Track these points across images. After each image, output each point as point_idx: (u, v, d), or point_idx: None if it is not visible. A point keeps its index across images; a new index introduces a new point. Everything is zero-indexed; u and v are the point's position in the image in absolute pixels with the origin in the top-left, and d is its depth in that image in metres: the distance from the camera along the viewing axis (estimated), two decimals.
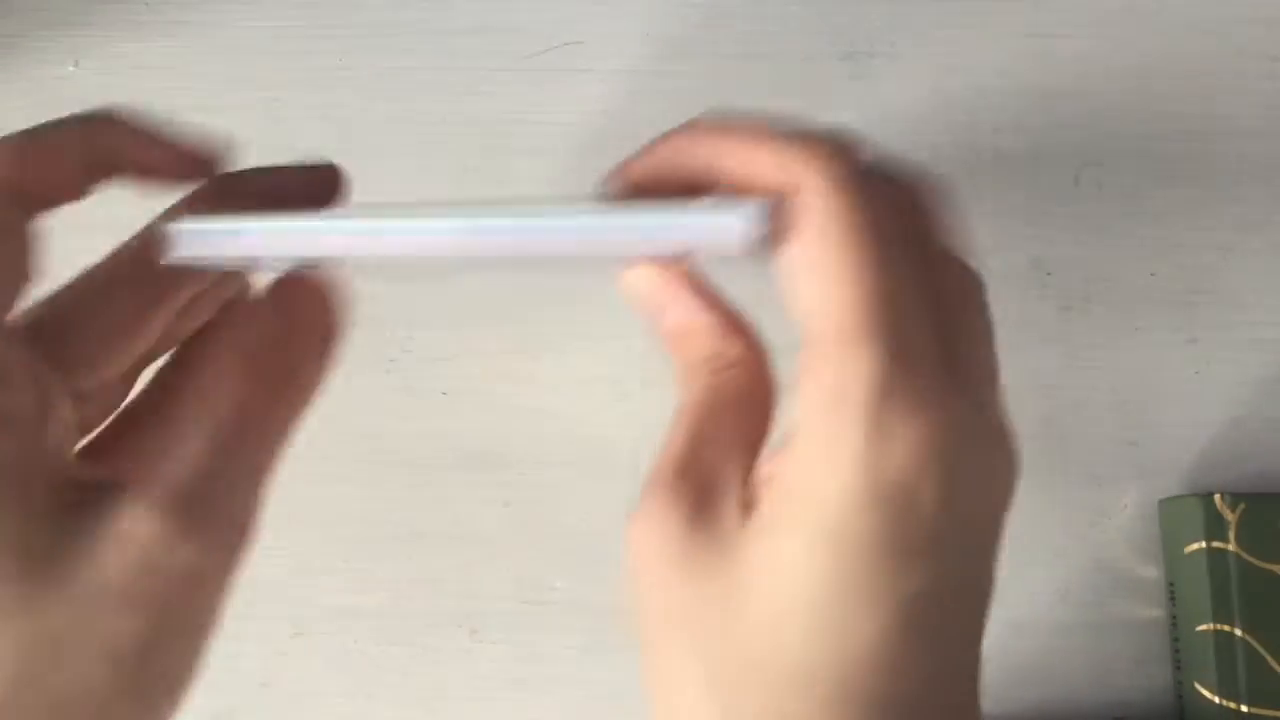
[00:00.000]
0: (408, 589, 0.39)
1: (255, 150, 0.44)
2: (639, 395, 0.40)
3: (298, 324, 0.24)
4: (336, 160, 0.28)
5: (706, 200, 0.22)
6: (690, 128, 0.24)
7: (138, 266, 0.24)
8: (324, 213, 0.24)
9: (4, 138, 0.23)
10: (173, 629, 0.22)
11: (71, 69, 0.43)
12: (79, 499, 0.21)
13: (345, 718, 0.39)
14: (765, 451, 0.24)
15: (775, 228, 0.21)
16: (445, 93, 0.42)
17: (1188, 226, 0.40)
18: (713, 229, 0.21)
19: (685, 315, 0.25)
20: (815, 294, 0.21)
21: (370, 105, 0.42)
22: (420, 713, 0.39)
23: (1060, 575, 0.38)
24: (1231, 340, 0.39)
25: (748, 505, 0.22)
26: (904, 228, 0.22)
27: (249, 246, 0.23)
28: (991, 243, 0.40)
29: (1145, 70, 0.41)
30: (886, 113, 0.41)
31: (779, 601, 0.21)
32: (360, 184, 0.42)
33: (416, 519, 0.39)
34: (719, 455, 0.23)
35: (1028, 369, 0.39)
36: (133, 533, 0.21)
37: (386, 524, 0.39)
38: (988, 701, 0.38)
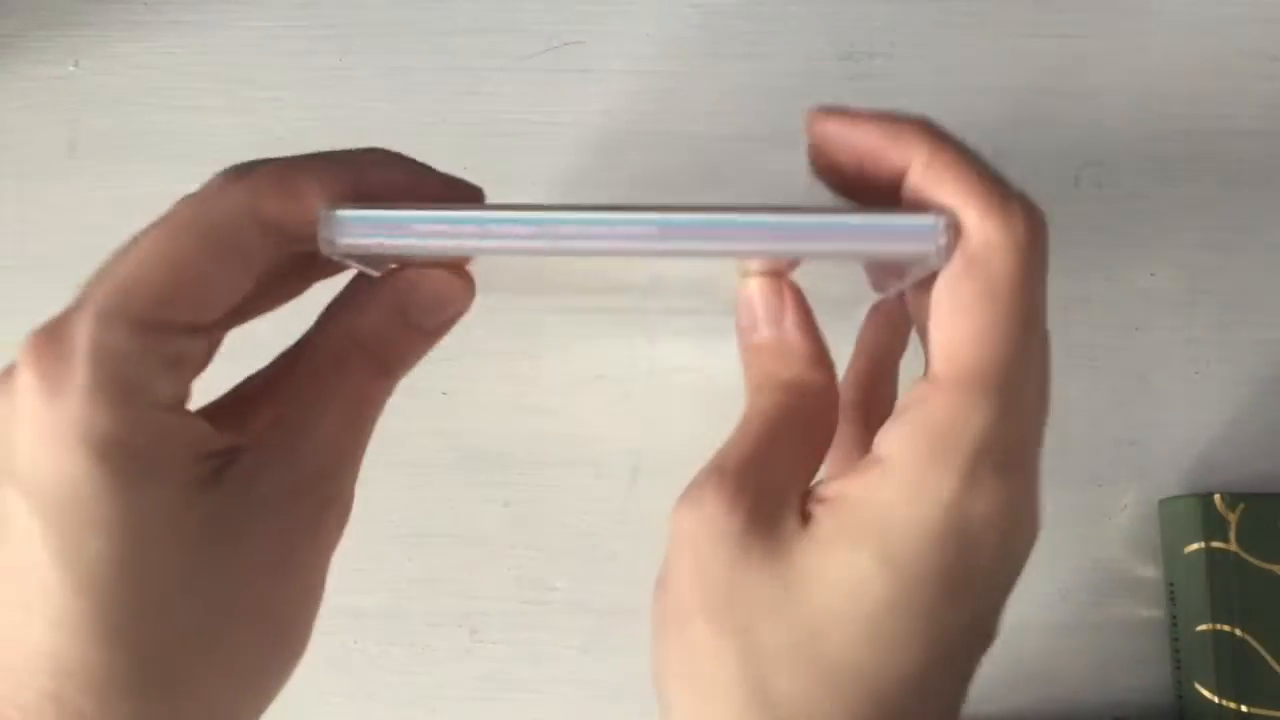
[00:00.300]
0: (408, 589, 0.39)
1: (255, 150, 0.44)
2: (639, 395, 0.40)
3: (417, 316, 0.26)
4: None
5: (888, 210, 0.23)
6: (905, 126, 0.24)
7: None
8: (485, 209, 0.23)
9: (266, 162, 0.23)
10: (303, 582, 0.24)
11: (71, 69, 0.43)
12: (216, 468, 0.23)
13: (345, 718, 0.39)
14: (818, 476, 0.26)
15: (951, 245, 0.22)
16: (445, 93, 0.42)
17: (1188, 226, 0.40)
18: (907, 234, 0.22)
19: (788, 333, 0.27)
20: (959, 334, 0.22)
21: (370, 105, 0.42)
22: (420, 713, 0.39)
23: (1060, 575, 0.38)
24: (1231, 340, 0.39)
25: (805, 517, 0.24)
26: (1044, 299, 0.24)
27: (419, 237, 0.23)
28: None
29: (1145, 70, 0.41)
30: None
31: (832, 607, 0.22)
32: None
33: (416, 519, 0.39)
34: (784, 468, 0.25)
35: None
36: (274, 505, 0.23)
37: (386, 524, 0.39)
38: (988, 701, 0.38)
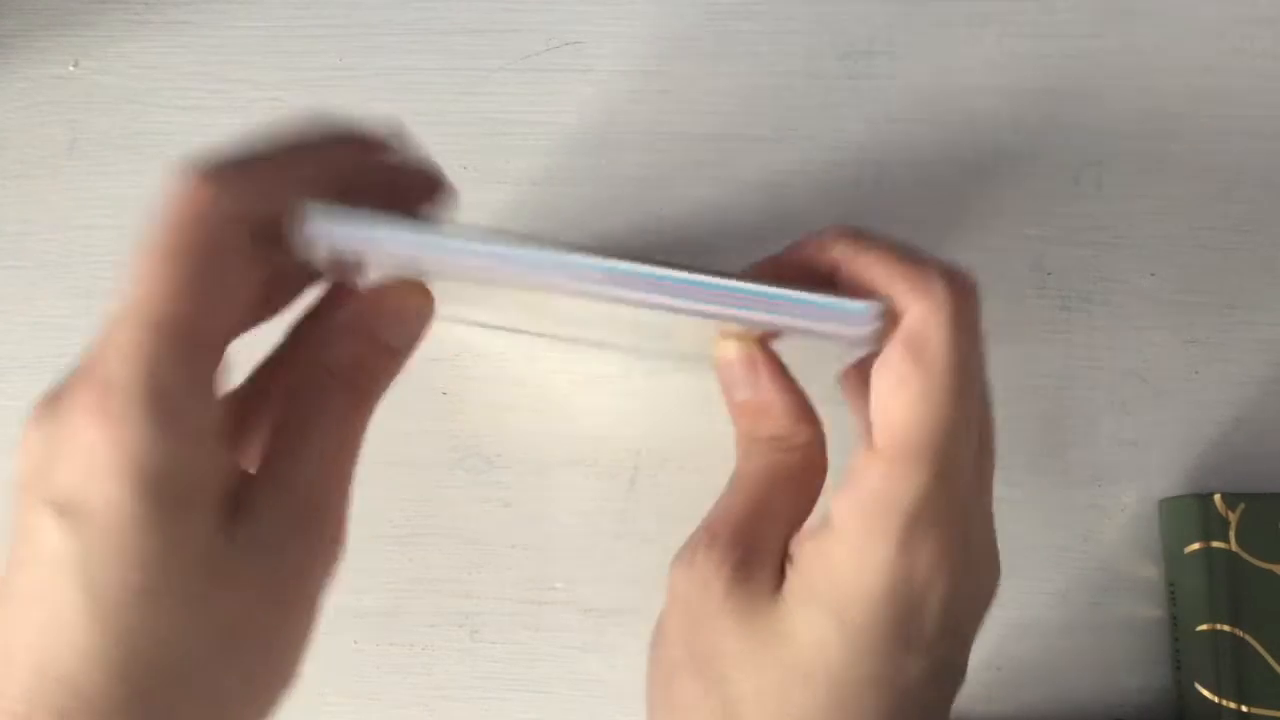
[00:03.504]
0: (408, 589, 0.39)
1: None
2: (639, 395, 0.40)
3: (385, 334, 0.27)
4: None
5: (833, 293, 0.24)
6: (826, 232, 0.26)
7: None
8: (454, 228, 0.25)
9: (237, 157, 0.24)
10: (299, 616, 0.25)
11: (71, 69, 0.43)
12: (235, 504, 0.23)
13: (345, 717, 0.39)
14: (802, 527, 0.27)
15: (885, 329, 0.24)
16: (445, 93, 0.42)
17: (1188, 226, 0.40)
18: (842, 316, 0.24)
19: (766, 394, 0.28)
20: (893, 406, 0.24)
21: (370, 105, 0.42)
22: (420, 713, 0.39)
23: (1060, 575, 0.38)
24: (1231, 340, 0.39)
25: (780, 574, 0.25)
26: (981, 365, 0.25)
27: (386, 247, 0.24)
28: (991, 243, 0.40)
29: (1145, 70, 0.41)
30: (886, 113, 0.41)
31: (798, 663, 0.24)
32: None
33: (416, 519, 0.39)
34: (770, 528, 0.26)
35: (1028, 369, 0.39)
36: (276, 540, 0.24)
37: (386, 524, 0.39)
38: (988, 701, 0.38)
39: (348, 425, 0.26)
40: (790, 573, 0.25)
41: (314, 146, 0.25)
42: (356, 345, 0.26)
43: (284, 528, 0.24)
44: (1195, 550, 0.36)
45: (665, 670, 0.26)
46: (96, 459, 0.21)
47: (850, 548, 0.24)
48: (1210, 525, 0.35)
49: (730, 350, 0.28)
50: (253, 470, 0.25)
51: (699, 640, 0.25)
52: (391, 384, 0.27)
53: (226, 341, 0.23)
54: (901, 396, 0.24)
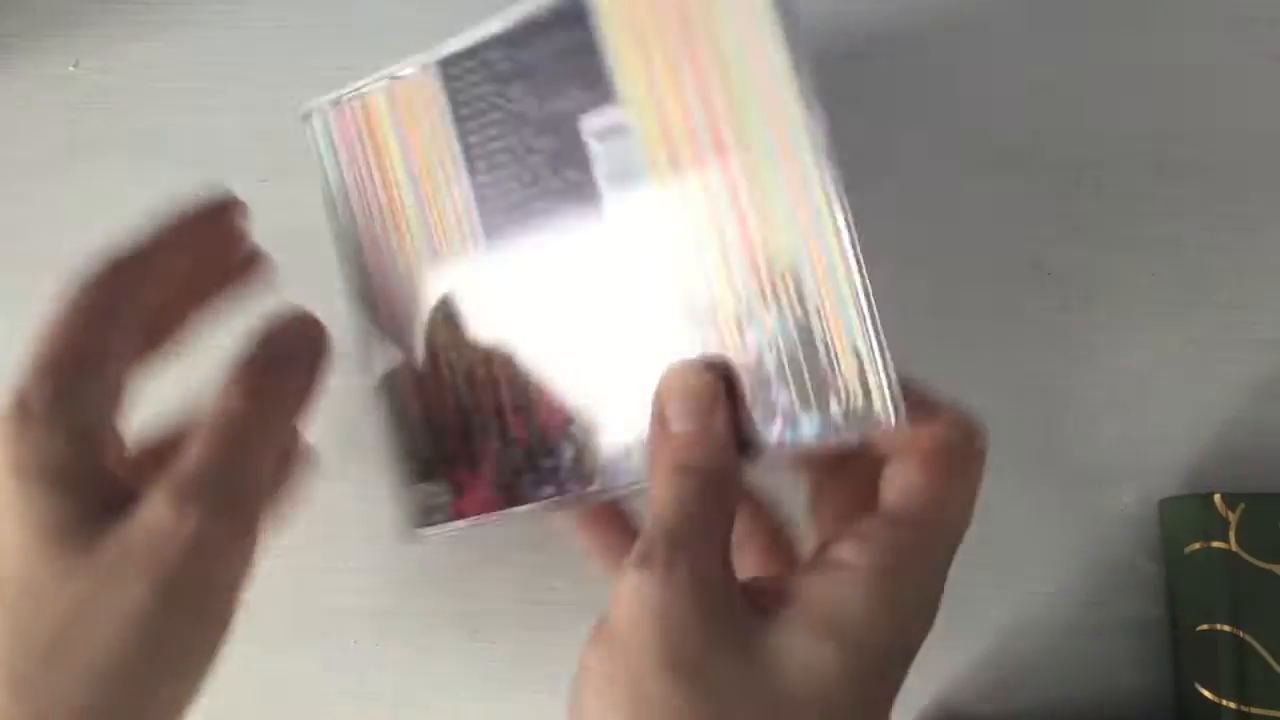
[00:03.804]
0: (408, 589, 0.39)
1: (258, 149, 0.44)
2: None
3: (284, 354, 0.29)
4: None
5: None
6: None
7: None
8: None
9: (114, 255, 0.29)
10: (183, 597, 0.26)
11: (71, 69, 0.43)
12: (124, 502, 0.26)
13: (345, 718, 0.39)
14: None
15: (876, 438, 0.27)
16: None
17: (1188, 226, 0.40)
18: (880, 393, 0.26)
19: (718, 428, 0.27)
20: (923, 490, 0.27)
21: None
22: (420, 713, 0.39)
23: (1060, 575, 0.38)
24: (1231, 340, 0.39)
25: (757, 603, 0.26)
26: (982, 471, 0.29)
27: None
28: (991, 243, 0.40)
29: (1145, 70, 0.41)
30: (887, 112, 0.41)
31: (796, 688, 0.25)
32: None
33: None
34: (724, 552, 0.27)
35: (1028, 369, 0.39)
36: (147, 514, 0.26)
37: (386, 524, 0.39)
38: (988, 701, 0.38)
39: (245, 421, 0.28)
40: (784, 605, 0.26)
41: (173, 230, 0.30)
42: (252, 353, 0.29)
43: (159, 508, 0.26)
44: (1195, 550, 0.36)
45: (635, 675, 0.25)
46: None
47: (872, 589, 0.25)
48: (1210, 525, 0.35)
49: (687, 378, 0.27)
50: None
51: (683, 652, 0.25)
52: (309, 389, 0.29)
53: (96, 364, 0.27)
54: (928, 484, 0.27)
